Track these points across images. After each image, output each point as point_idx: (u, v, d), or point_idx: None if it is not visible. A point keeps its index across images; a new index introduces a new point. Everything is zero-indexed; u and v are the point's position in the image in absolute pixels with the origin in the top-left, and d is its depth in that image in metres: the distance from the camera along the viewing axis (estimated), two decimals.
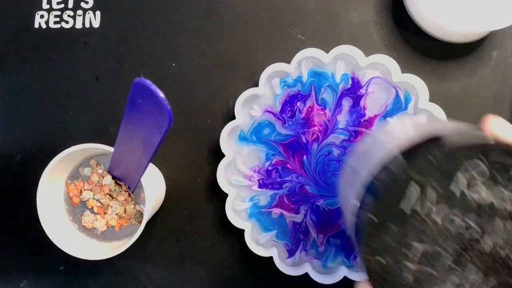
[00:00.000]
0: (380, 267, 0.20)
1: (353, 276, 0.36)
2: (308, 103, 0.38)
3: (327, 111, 0.38)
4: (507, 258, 0.20)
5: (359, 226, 0.21)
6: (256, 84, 0.38)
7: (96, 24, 0.42)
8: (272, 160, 0.38)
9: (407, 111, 0.37)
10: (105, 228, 0.36)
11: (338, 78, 0.37)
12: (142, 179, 0.32)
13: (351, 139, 0.38)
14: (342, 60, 0.37)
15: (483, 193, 0.20)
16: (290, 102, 0.38)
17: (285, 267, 0.37)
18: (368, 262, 0.20)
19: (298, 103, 0.38)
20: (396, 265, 0.20)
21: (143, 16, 0.41)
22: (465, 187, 0.20)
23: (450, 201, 0.20)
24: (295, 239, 0.38)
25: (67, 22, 0.42)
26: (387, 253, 0.20)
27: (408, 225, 0.20)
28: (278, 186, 0.38)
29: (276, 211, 0.38)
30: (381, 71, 0.37)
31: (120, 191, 0.36)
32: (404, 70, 0.37)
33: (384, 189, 0.20)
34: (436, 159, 0.19)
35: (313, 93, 0.38)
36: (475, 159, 0.20)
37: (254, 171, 0.38)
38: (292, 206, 0.38)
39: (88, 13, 0.42)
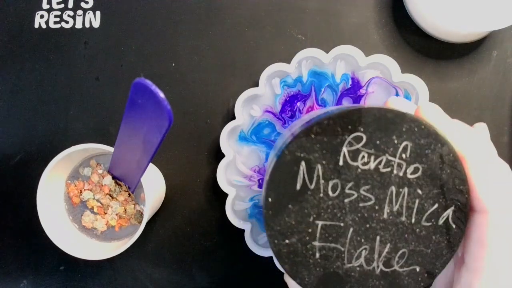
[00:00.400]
0: (287, 250, 0.20)
1: None
2: (308, 103, 0.38)
3: None
4: (411, 224, 0.20)
5: (263, 211, 0.21)
6: (256, 84, 0.38)
7: (96, 24, 0.42)
8: None
9: None
10: (105, 228, 0.36)
11: (338, 78, 0.37)
12: (142, 179, 0.32)
13: None
14: (342, 60, 0.37)
15: (371, 165, 0.20)
16: (290, 102, 0.38)
17: None
18: (274, 245, 0.20)
19: (298, 103, 0.38)
20: (302, 245, 0.20)
21: (143, 16, 0.41)
22: (352, 159, 0.20)
23: (340, 174, 0.20)
24: None
25: (67, 22, 0.42)
26: (291, 234, 0.20)
27: (304, 202, 0.20)
28: None
29: None
30: (381, 71, 0.37)
31: (120, 191, 0.36)
32: (404, 70, 0.37)
33: (274, 169, 0.20)
34: (316, 135, 0.20)
35: (313, 93, 0.38)
36: (355, 131, 0.20)
37: (254, 171, 0.38)
38: None
39: (88, 13, 0.42)
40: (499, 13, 0.34)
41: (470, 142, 0.20)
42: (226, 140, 0.38)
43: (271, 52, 0.40)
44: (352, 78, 0.37)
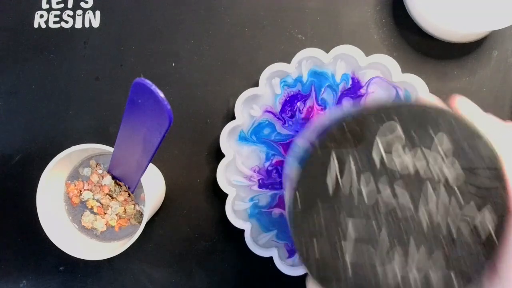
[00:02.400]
0: (315, 251, 0.19)
1: None
2: (308, 103, 0.38)
3: (327, 111, 0.38)
4: (448, 228, 0.18)
5: (289, 208, 0.19)
6: (256, 84, 0.38)
7: (96, 24, 0.42)
8: (272, 160, 0.38)
9: None
10: (105, 228, 0.36)
11: (338, 78, 0.37)
12: (142, 179, 0.32)
13: None
14: (342, 60, 0.37)
15: (405, 158, 0.18)
16: (290, 102, 0.38)
17: (285, 267, 0.37)
18: (301, 245, 0.19)
19: (298, 103, 0.38)
20: (332, 246, 0.19)
21: (143, 16, 0.41)
22: (386, 153, 0.18)
23: (373, 168, 0.18)
24: None
25: (66, 22, 0.42)
26: (320, 234, 0.19)
27: (336, 200, 0.19)
28: (278, 186, 0.38)
29: (276, 211, 0.38)
30: (381, 71, 0.37)
31: (120, 191, 0.36)
32: (404, 70, 0.37)
33: (303, 164, 0.19)
34: (349, 126, 0.18)
35: (313, 93, 0.38)
36: (389, 122, 0.18)
37: (254, 171, 0.38)
38: None
39: (88, 13, 0.42)
40: (499, 13, 0.34)
41: (506, 139, 0.19)
42: (226, 140, 0.38)
43: (271, 52, 0.40)
44: (352, 78, 0.37)
